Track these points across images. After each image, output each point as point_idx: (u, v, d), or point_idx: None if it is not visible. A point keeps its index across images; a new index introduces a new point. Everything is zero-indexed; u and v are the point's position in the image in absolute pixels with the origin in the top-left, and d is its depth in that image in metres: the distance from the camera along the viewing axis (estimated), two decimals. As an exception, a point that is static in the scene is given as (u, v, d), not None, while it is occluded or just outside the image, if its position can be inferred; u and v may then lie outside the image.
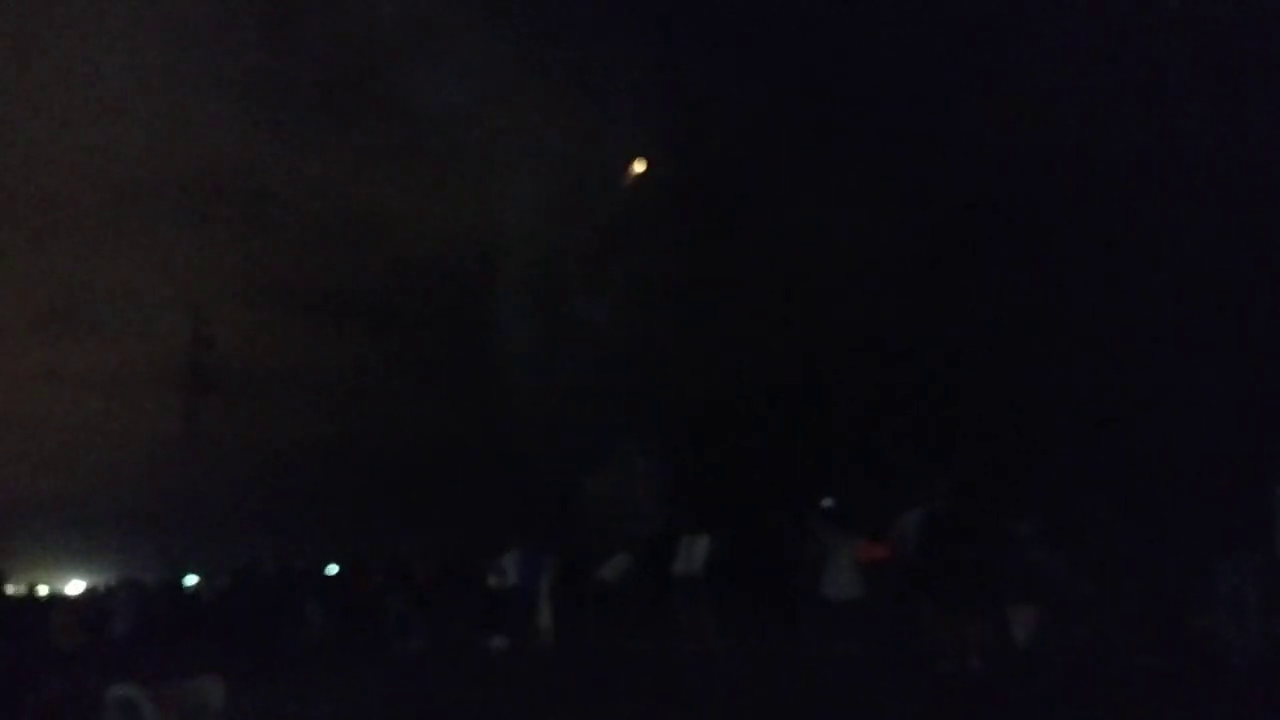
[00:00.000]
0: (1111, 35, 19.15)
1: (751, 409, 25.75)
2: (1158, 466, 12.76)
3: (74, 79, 44.54)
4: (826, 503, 13.23)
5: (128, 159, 45.59)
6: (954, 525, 10.68)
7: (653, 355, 27.34)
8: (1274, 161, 15.77)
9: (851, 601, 11.95)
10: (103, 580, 29.22)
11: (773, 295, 26.67)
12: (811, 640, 12.37)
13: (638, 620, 14.91)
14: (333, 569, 20.90)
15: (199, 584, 21.90)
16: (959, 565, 10.50)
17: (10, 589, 19.87)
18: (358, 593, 18.64)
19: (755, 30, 26.87)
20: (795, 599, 12.77)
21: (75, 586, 34.60)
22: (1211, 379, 15.96)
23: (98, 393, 44.21)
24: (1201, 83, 17.47)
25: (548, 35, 29.07)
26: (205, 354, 34.31)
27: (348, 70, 38.22)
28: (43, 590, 34.22)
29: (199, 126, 44.76)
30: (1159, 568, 10.80)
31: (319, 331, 44.96)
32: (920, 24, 22.98)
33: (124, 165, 45.23)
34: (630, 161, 27.90)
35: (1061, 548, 11.31)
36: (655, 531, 15.31)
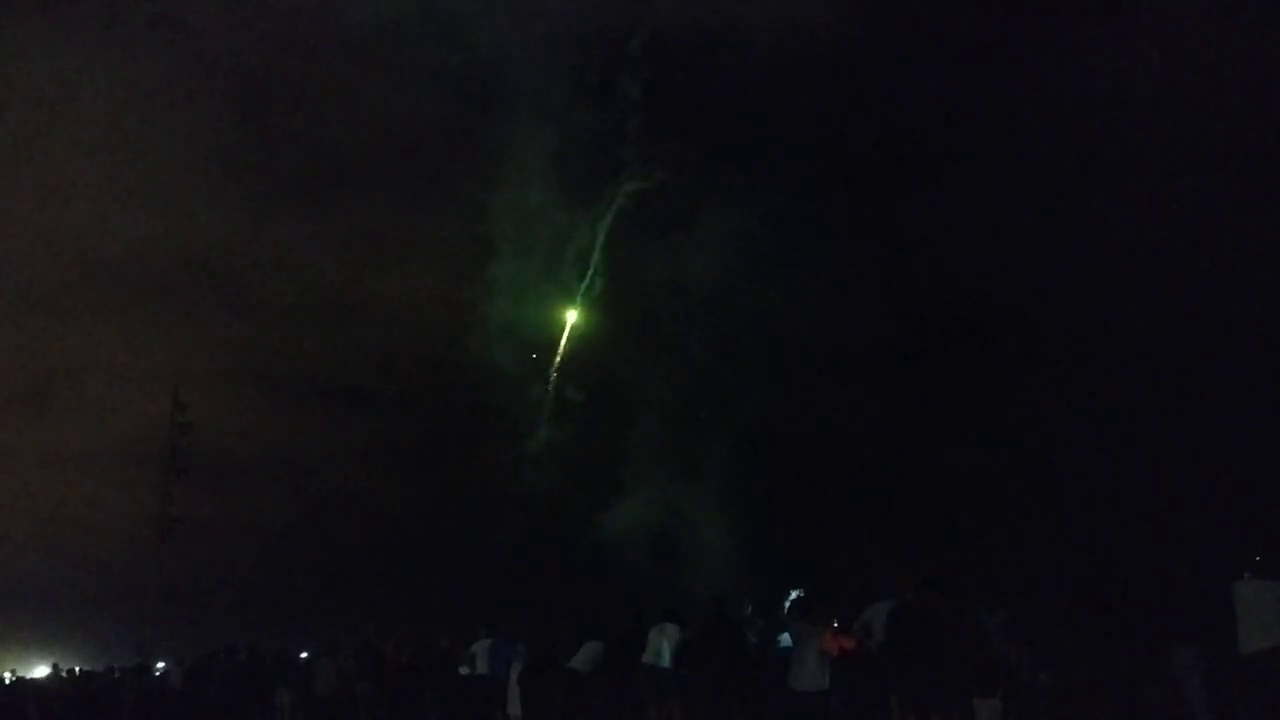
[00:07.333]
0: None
1: (723, 499, 25.86)
2: (1121, 561, 12.95)
3: (53, 161, 45.02)
4: (795, 593, 13.28)
5: (108, 239, 45.98)
6: (921, 617, 10.71)
7: (624, 446, 27.52)
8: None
9: (818, 693, 11.95)
10: (67, 667, 28.77)
11: (743, 385, 26.96)
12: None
13: (607, 710, 14.86)
14: (304, 655, 20.75)
15: (168, 669, 21.69)
16: (926, 657, 10.54)
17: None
18: (329, 679, 18.49)
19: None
20: (762, 690, 12.79)
21: (40, 671, 34.07)
22: (1174, 478, 16.23)
23: (70, 473, 43.93)
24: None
25: (522, 125, 29.76)
26: (182, 437, 34.23)
27: (326, 155, 38.85)
28: (6, 676, 33.73)
29: (178, 208, 45.26)
30: (1121, 661, 10.95)
31: (296, 414, 45.00)
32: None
33: (103, 245, 45.55)
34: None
35: (1025, 640, 11.43)
36: (626, 621, 15.26)
